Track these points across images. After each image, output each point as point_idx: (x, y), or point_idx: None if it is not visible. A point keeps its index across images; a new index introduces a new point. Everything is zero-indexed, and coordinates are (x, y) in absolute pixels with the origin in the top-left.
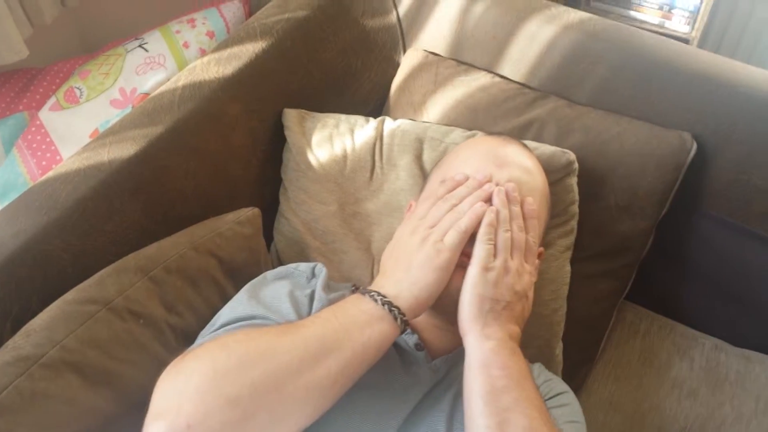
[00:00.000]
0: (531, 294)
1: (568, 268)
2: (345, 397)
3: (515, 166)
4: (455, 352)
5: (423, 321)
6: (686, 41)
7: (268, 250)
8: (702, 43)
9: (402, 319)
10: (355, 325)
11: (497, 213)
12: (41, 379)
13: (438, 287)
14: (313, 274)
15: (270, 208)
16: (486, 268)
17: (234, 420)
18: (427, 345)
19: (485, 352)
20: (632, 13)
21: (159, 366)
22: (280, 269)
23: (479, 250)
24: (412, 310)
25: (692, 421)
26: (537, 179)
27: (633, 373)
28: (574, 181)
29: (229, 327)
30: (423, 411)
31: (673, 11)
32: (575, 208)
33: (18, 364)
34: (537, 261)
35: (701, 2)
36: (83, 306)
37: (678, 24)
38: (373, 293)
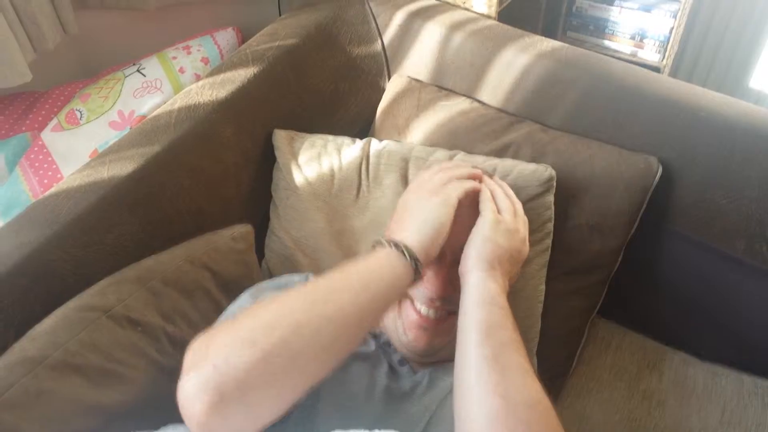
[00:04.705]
0: (519, 267)
1: (543, 286)
2: (333, 398)
3: None
4: (435, 367)
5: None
6: (657, 69)
7: (259, 266)
8: (675, 71)
9: (413, 257)
10: (371, 269)
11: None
12: (46, 379)
13: (443, 225)
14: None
15: (261, 225)
16: (498, 220)
17: (255, 360)
18: (409, 361)
19: (489, 290)
20: (606, 42)
21: (157, 371)
22: (275, 280)
23: (488, 206)
24: (423, 250)
25: (661, 431)
26: None
27: (604, 386)
28: (551, 198)
29: None
30: (412, 415)
31: (644, 41)
32: (551, 226)
33: (24, 364)
34: None
35: (671, 33)
36: (84, 313)
37: (649, 53)
38: (382, 241)
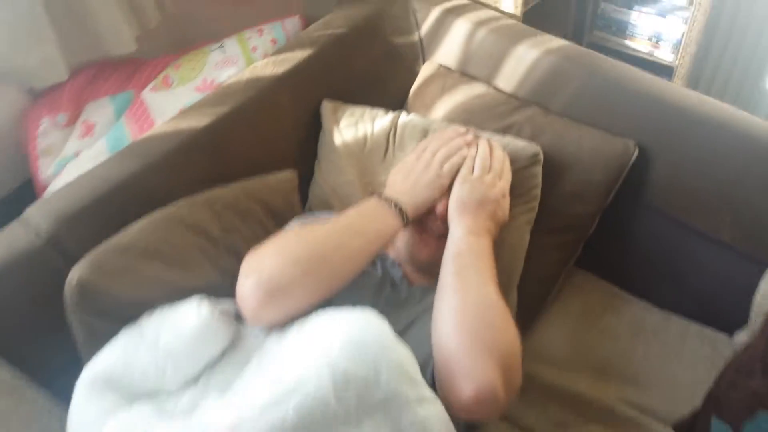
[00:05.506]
0: (504, 202)
1: (527, 236)
2: (346, 296)
3: None
4: (429, 285)
5: (407, 268)
6: (671, 68)
7: (303, 207)
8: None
9: (406, 217)
10: (374, 219)
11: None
12: (133, 260)
13: (432, 201)
14: None
15: (308, 176)
16: (465, 180)
17: (297, 275)
18: (408, 278)
19: (454, 234)
20: (627, 42)
21: (215, 268)
22: (312, 214)
23: (462, 169)
24: (414, 208)
25: (614, 357)
26: None
27: (570, 321)
28: (538, 170)
29: None
30: (401, 317)
31: (660, 43)
32: (537, 192)
33: (118, 248)
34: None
35: (683, 36)
36: (165, 219)
37: (664, 53)
38: (387, 198)
